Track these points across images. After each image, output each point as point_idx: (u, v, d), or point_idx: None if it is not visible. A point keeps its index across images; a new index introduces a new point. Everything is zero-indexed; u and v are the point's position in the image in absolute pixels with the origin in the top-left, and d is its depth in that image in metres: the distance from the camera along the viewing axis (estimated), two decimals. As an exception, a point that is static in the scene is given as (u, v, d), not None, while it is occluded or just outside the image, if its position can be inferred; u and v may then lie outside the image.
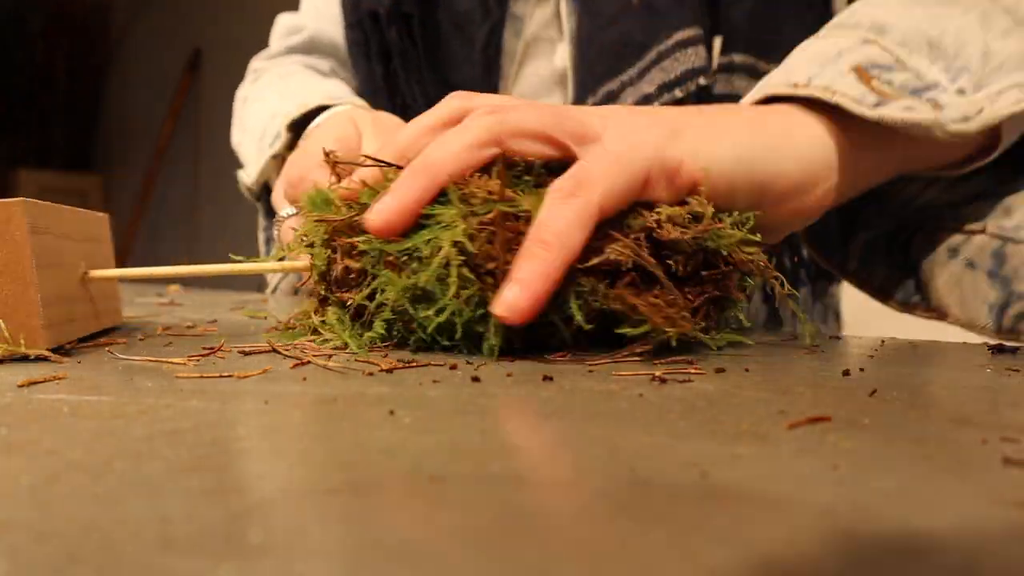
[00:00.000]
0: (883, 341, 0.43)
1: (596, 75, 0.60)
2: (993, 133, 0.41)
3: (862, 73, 0.38)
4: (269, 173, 0.71)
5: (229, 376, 0.30)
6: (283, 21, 0.84)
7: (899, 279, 0.50)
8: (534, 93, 0.66)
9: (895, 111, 0.37)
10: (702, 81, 0.57)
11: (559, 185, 0.35)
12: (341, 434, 0.22)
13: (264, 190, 0.75)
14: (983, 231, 0.43)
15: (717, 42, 0.59)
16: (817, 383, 0.30)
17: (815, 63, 0.40)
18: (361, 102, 0.68)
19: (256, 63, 0.84)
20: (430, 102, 0.42)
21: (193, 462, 0.19)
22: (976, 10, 0.40)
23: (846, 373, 0.31)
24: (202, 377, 0.29)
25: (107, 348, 0.36)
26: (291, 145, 0.67)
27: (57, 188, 3.35)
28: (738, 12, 0.58)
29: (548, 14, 0.66)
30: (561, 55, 0.65)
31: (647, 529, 0.15)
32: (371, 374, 0.30)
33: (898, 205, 0.48)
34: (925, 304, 0.45)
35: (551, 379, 0.30)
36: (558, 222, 0.33)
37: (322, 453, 0.20)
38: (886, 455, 0.20)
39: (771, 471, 0.19)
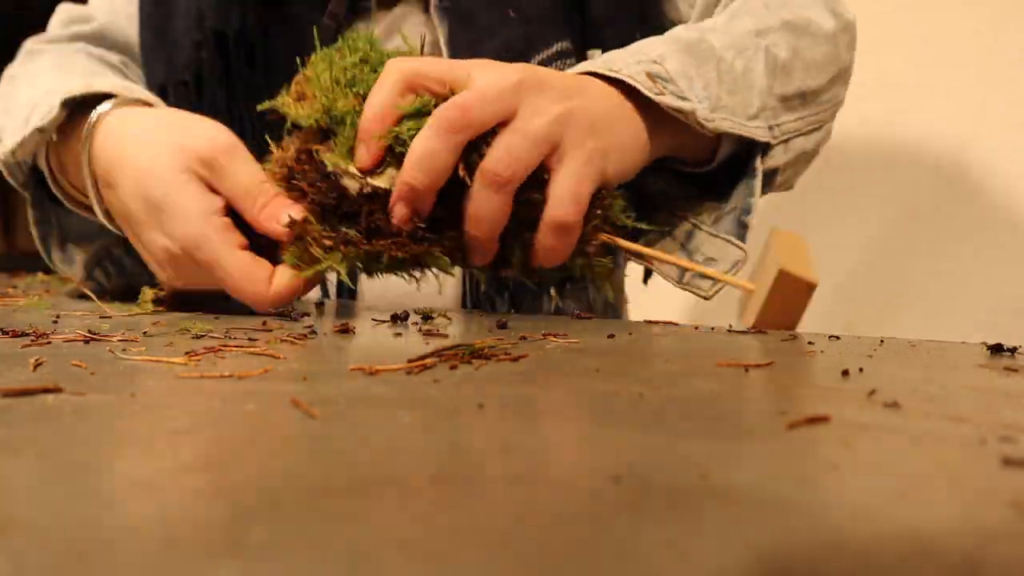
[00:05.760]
0: (882, 341, 0.43)
1: None
2: (714, 149, 0.60)
3: (651, 76, 0.55)
4: (31, 149, 0.61)
5: (229, 376, 0.30)
6: (66, 8, 0.79)
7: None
8: None
9: (670, 100, 0.55)
10: None
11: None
12: (341, 434, 0.22)
13: (33, 176, 0.65)
14: (686, 218, 0.62)
15: (595, 55, 0.68)
16: (817, 383, 0.30)
17: (621, 62, 0.56)
18: (159, 101, 0.62)
19: (32, 44, 0.77)
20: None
21: (193, 462, 0.19)
22: (715, 71, 0.59)
23: (845, 373, 0.31)
24: (202, 377, 0.29)
25: (107, 348, 0.36)
26: (62, 126, 0.59)
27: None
28: (611, 32, 0.70)
29: (416, 32, 0.68)
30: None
31: (647, 529, 0.15)
32: (372, 374, 0.30)
33: (637, 187, 0.65)
34: (639, 259, 0.60)
35: (551, 379, 0.30)
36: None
37: (322, 453, 0.20)
38: (886, 455, 0.20)
39: (771, 471, 0.19)
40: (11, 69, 0.75)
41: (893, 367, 0.34)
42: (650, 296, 0.84)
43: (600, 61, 0.57)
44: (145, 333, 0.42)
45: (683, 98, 0.57)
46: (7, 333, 0.40)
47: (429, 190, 0.47)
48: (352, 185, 0.47)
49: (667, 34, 0.63)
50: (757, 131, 0.61)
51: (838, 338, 0.45)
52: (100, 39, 0.76)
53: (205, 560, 0.13)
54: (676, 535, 0.15)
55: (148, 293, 0.55)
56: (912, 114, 1.08)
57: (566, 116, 0.49)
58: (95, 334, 0.40)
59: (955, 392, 0.29)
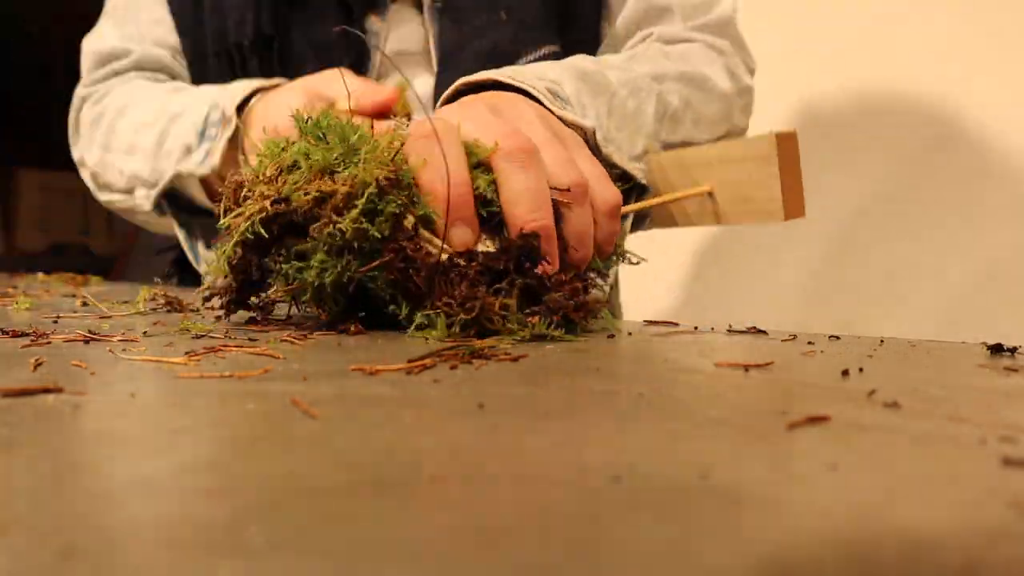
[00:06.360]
0: (882, 341, 0.43)
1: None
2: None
3: (552, 93, 0.57)
4: (218, 159, 0.68)
5: (229, 376, 0.30)
6: (94, 47, 0.84)
7: None
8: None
9: (572, 115, 0.57)
10: None
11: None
12: (341, 434, 0.22)
13: (168, 199, 0.74)
14: None
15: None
16: (817, 383, 0.30)
17: (524, 77, 0.58)
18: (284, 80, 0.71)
19: (85, 90, 0.84)
20: None
21: (193, 462, 0.19)
22: (607, 104, 0.63)
23: (845, 373, 0.31)
24: (202, 377, 0.29)
25: (107, 348, 0.36)
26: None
27: (57, 188, 3.34)
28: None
29: (411, 29, 0.73)
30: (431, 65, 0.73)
31: (647, 529, 0.15)
32: (372, 374, 0.30)
33: None
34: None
35: (551, 379, 0.30)
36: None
37: (322, 453, 0.20)
38: (886, 455, 0.20)
39: (771, 471, 0.19)
40: (87, 112, 0.82)
41: (893, 367, 0.34)
42: (649, 296, 0.84)
43: (502, 73, 0.57)
44: (145, 333, 0.42)
45: (584, 117, 0.59)
46: (7, 333, 0.40)
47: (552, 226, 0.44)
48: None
49: (564, 61, 0.64)
50: (638, 172, 0.65)
51: (838, 338, 0.45)
52: (141, 67, 0.83)
53: (205, 560, 0.13)
54: (676, 535, 0.15)
55: (144, 292, 0.55)
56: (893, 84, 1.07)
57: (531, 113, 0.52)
58: (95, 334, 0.40)
59: (955, 392, 0.29)
